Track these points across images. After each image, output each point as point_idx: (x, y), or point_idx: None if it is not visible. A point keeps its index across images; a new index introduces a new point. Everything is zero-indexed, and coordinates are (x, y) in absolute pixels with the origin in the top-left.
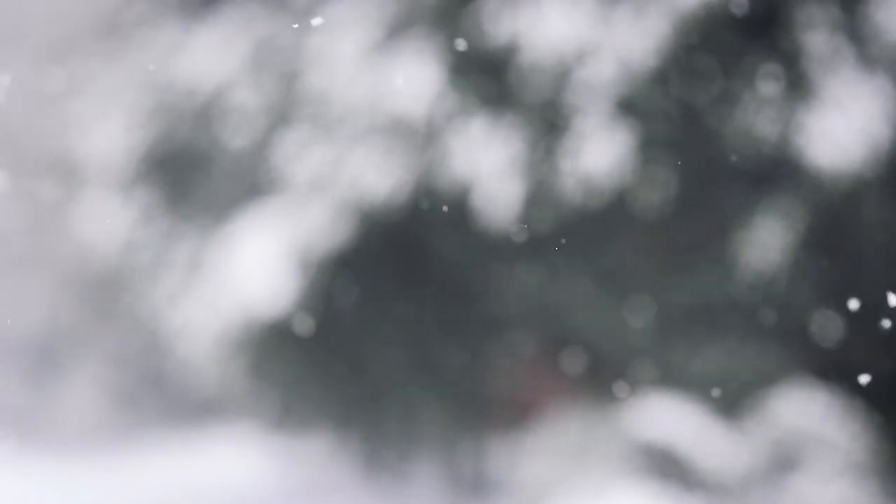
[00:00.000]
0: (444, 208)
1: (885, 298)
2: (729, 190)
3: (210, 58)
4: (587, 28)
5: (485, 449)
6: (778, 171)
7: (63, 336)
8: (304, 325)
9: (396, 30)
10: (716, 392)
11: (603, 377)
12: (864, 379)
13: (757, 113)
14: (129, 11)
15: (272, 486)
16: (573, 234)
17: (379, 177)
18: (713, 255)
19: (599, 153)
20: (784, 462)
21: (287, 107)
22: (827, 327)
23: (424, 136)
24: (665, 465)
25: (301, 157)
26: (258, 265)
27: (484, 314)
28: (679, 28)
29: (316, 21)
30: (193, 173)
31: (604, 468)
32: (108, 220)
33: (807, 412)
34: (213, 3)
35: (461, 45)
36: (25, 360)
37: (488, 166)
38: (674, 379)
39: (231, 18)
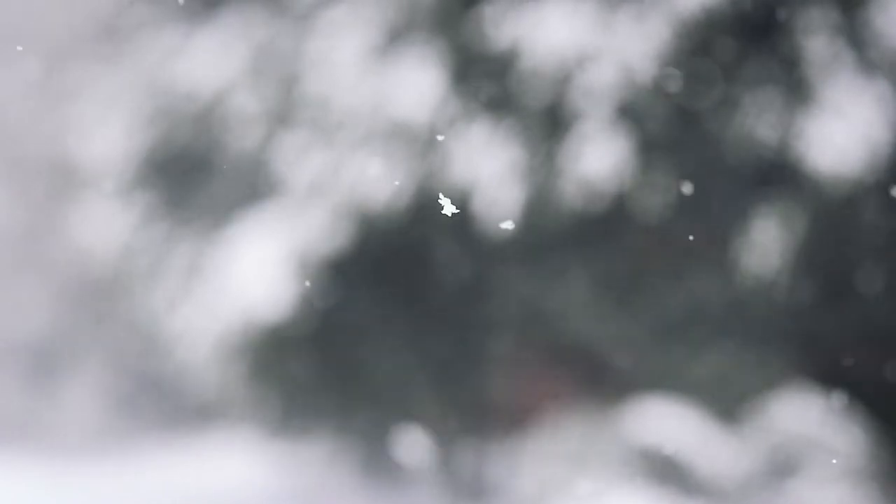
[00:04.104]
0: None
1: (883, 303)
2: (729, 194)
3: (210, 62)
4: (588, 33)
5: (484, 453)
6: (778, 176)
7: (63, 340)
8: (304, 330)
9: (397, 34)
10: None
11: (602, 382)
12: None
13: (757, 118)
14: (130, 15)
15: (272, 491)
16: (573, 238)
17: (379, 181)
18: (713, 260)
19: (600, 158)
20: (783, 467)
21: (287, 111)
22: (826, 332)
23: (425, 141)
24: (664, 469)
25: (301, 161)
26: (258, 269)
27: (483, 318)
28: (679, 33)
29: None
30: (193, 177)
31: (603, 472)
32: (108, 224)
33: (806, 417)
34: (213, 8)
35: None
36: (25, 365)
37: (489, 171)
38: (673, 383)
39: (231, 22)
